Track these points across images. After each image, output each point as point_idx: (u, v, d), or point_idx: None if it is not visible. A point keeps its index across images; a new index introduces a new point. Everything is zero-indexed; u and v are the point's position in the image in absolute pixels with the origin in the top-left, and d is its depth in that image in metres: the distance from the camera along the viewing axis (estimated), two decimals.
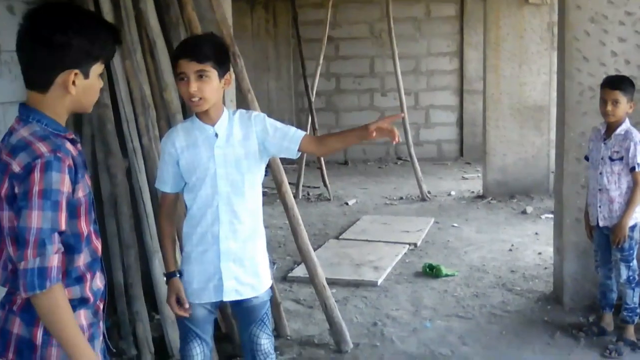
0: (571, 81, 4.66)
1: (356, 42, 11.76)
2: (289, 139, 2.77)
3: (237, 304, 2.88)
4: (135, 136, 4.29)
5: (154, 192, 4.28)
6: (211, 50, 2.65)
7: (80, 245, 1.99)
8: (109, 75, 4.28)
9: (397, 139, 2.61)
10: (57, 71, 1.93)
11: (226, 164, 2.73)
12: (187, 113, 4.37)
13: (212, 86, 2.64)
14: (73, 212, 1.94)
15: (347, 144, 2.87)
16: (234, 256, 2.77)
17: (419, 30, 11.74)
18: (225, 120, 2.76)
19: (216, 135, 2.73)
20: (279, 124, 2.81)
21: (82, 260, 2.00)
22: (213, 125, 2.74)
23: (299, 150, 2.79)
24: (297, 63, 10.08)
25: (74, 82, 1.93)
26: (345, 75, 11.91)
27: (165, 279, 2.94)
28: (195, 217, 2.78)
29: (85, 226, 2.00)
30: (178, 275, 2.85)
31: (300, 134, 2.79)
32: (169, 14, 4.41)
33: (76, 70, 1.93)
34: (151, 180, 4.29)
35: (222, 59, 2.69)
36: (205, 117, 2.74)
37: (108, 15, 4.28)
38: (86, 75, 1.96)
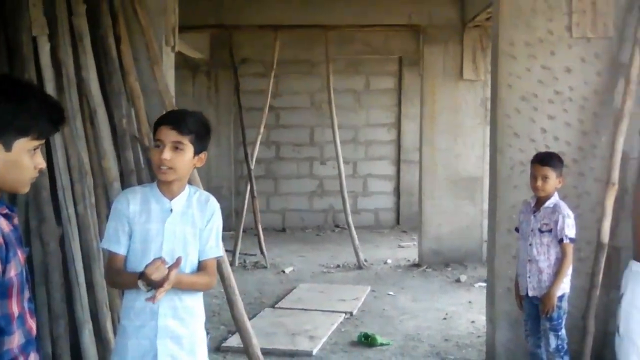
0: (503, 156, 4.84)
1: (297, 112, 11.95)
2: (208, 246, 2.77)
3: None
4: (71, 204, 4.25)
5: (87, 261, 4.22)
6: (194, 125, 2.67)
7: (12, 327, 1.86)
8: (46, 141, 4.25)
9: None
10: None
11: (174, 241, 2.70)
12: (125, 182, 4.36)
13: (184, 159, 2.64)
14: (4, 293, 1.82)
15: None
16: (171, 333, 2.71)
17: (358, 101, 12.02)
18: (183, 198, 2.74)
19: (171, 210, 2.71)
20: (219, 229, 2.81)
21: (14, 342, 1.88)
22: (171, 199, 2.72)
23: (200, 261, 2.77)
24: (238, 130, 10.15)
25: None
26: (285, 144, 12.03)
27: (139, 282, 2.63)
28: (135, 290, 2.69)
29: (17, 307, 1.87)
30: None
31: (215, 253, 2.80)
32: (111, 82, 4.46)
33: None
34: (84, 249, 4.23)
35: (202, 137, 2.70)
36: (166, 189, 2.72)
37: (49, 82, 4.30)
38: (7, 148, 1.82)
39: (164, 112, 3.00)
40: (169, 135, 2.62)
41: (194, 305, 2.79)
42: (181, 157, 2.63)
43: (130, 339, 2.72)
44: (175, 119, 2.68)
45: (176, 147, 2.62)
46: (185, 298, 2.74)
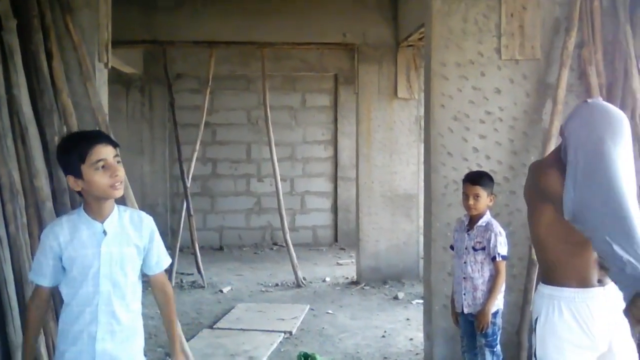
0: (436, 174, 4.93)
1: (233, 128, 11.91)
2: (155, 262, 2.83)
3: None
4: (2, 224, 4.12)
5: (19, 282, 4.10)
6: (112, 138, 2.71)
7: None
8: None
9: None
10: None
11: (111, 263, 2.66)
12: (57, 201, 4.26)
13: (123, 171, 2.66)
14: None
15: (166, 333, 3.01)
16: (110, 357, 2.67)
17: (294, 118, 12.06)
18: (115, 218, 2.70)
19: (104, 232, 2.67)
20: (160, 242, 2.84)
21: None
22: (102, 221, 2.67)
23: (151, 275, 2.86)
24: (173, 147, 10.05)
25: None
26: (222, 160, 11.96)
27: None
28: (72, 314, 2.67)
29: None
30: None
31: (165, 264, 2.88)
32: (43, 100, 4.36)
33: None
34: (17, 270, 4.11)
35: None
36: (97, 211, 2.67)
37: None
38: None
39: (70, 135, 3.00)
40: (109, 151, 2.61)
41: (133, 326, 2.76)
42: (122, 169, 2.65)
43: None
44: (105, 135, 2.71)
45: (118, 162, 2.63)
46: (123, 320, 2.70)
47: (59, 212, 4.14)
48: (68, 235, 2.67)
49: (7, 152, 4.19)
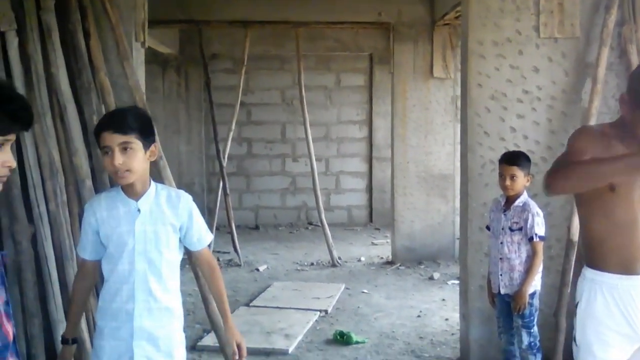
0: (473, 154, 4.89)
1: (268, 108, 11.93)
2: (197, 239, 2.83)
3: None
4: (42, 201, 4.20)
5: (60, 259, 4.18)
6: (135, 122, 2.61)
7: None
8: (17, 139, 4.19)
9: None
10: None
11: (145, 241, 2.68)
12: (96, 179, 4.32)
13: (137, 158, 2.59)
14: None
15: (219, 302, 3.01)
16: (147, 335, 2.69)
17: (329, 98, 12.03)
18: (150, 196, 2.72)
19: (138, 210, 2.69)
20: (201, 219, 2.84)
21: None
22: (137, 199, 2.69)
23: (195, 251, 2.87)
24: (209, 127, 10.11)
25: None
26: (257, 140, 12.00)
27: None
28: (110, 290, 2.71)
29: None
30: (71, 344, 2.78)
31: (207, 240, 2.87)
32: (81, 78, 4.40)
33: None
34: (57, 247, 4.19)
35: (146, 131, 2.64)
36: (130, 190, 2.69)
37: (18, 79, 4.24)
38: None
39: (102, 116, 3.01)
40: (114, 139, 2.56)
41: (172, 306, 2.77)
42: (133, 156, 2.58)
43: (107, 341, 2.71)
44: (115, 122, 2.62)
45: (125, 148, 2.56)
46: (161, 298, 2.72)
47: (98, 190, 4.19)
48: (105, 212, 2.71)
49: (46, 130, 4.25)
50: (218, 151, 9.10)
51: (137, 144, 2.59)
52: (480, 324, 4.89)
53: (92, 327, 4.01)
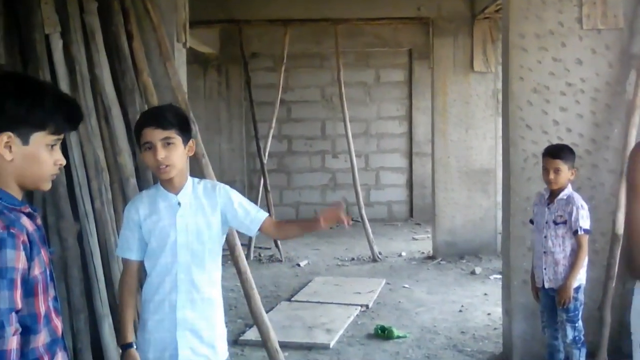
0: (515, 148, 4.84)
1: (308, 105, 11.97)
2: (250, 219, 2.82)
3: None
4: (88, 200, 4.29)
5: (105, 256, 4.27)
6: (174, 118, 2.69)
7: (37, 325, 1.89)
8: (62, 140, 4.29)
9: (349, 223, 2.70)
10: None
11: (187, 233, 2.73)
12: (140, 177, 4.39)
13: (178, 153, 2.66)
14: (29, 291, 1.85)
15: (302, 232, 2.88)
16: (190, 326, 2.74)
17: (368, 94, 12.02)
18: (189, 189, 2.78)
19: (179, 204, 2.75)
20: (244, 201, 2.85)
21: (40, 341, 1.90)
22: (176, 193, 2.75)
23: (258, 230, 2.84)
24: (249, 125, 10.20)
25: (10, 148, 1.85)
26: (297, 137, 12.06)
27: (120, 350, 2.90)
28: (153, 284, 2.76)
29: (42, 305, 1.90)
30: (134, 347, 2.82)
31: (262, 216, 2.83)
32: (125, 80, 4.48)
33: (9, 133, 1.85)
34: (102, 244, 4.28)
35: (185, 127, 2.72)
36: (169, 185, 2.75)
37: (63, 80, 4.34)
38: (25, 142, 1.87)
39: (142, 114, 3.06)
40: (155, 134, 2.63)
41: (213, 297, 2.81)
42: (174, 151, 2.65)
43: (151, 333, 2.76)
44: (156, 118, 2.69)
45: (167, 143, 2.64)
46: (204, 289, 2.77)
47: (142, 188, 4.27)
48: (147, 208, 2.76)
49: (91, 131, 4.34)
50: (259, 148, 9.18)
51: (177, 139, 2.66)
52: (524, 318, 4.84)
53: (135, 322, 4.08)
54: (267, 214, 2.86)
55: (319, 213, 2.73)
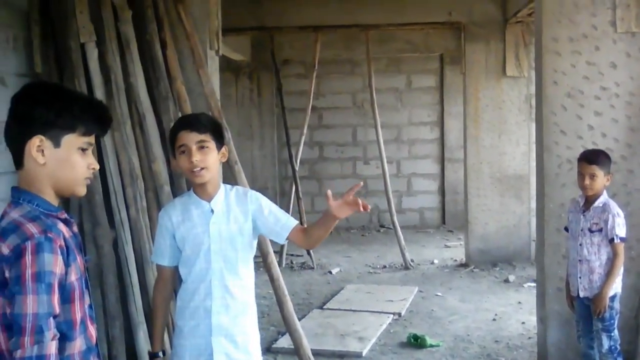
0: (549, 154, 4.79)
1: (339, 112, 11.97)
2: (280, 226, 2.82)
3: None
4: (123, 207, 4.34)
5: (140, 263, 4.31)
6: (209, 123, 2.75)
7: (73, 332, 1.91)
8: (98, 148, 4.35)
9: (366, 208, 2.58)
10: (24, 140, 1.88)
11: (221, 240, 2.76)
12: (174, 184, 4.43)
13: (212, 157, 2.71)
14: (66, 297, 1.87)
15: (328, 228, 2.76)
16: (225, 331, 2.76)
17: (400, 100, 11.99)
18: (221, 196, 2.80)
19: (212, 211, 2.77)
20: (274, 207, 2.86)
21: (75, 348, 1.92)
22: (209, 200, 2.77)
23: (287, 239, 2.84)
24: (281, 131, 10.25)
25: (42, 152, 1.88)
26: (329, 144, 12.07)
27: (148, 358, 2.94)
28: (188, 291, 2.79)
29: (79, 312, 1.92)
30: (162, 356, 2.86)
31: (292, 223, 2.83)
32: (159, 87, 4.53)
33: (40, 136, 1.88)
34: (137, 251, 4.32)
35: (218, 133, 2.77)
36: (202, 192, 2.77)
37: (99, 89, 4.40)
38: (56, 144, 1.90)
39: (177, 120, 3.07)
40: (191, 137, 2.68)
41: (246, 301, 2.84)
42: (209, 154, 2.69)
43: (187, 339, 2.79)
44: (191, 122, 2.75)
45: (202, 147, 2.68)
46: (237, 295, 2.79)
47: (176, 195, 4.29)
48: (180, 216, 2.79)
49: (126, 138, 4.39)
50: (290, 155, 9.21)
51: (211, 143, 2.71)
52: (559, 327, 4.78)
53: (170, 328, 4.11)
54: (296, 222, 2.86)
55: (330, 199, 2.61)
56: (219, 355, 2.75)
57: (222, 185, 2.84)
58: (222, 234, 2.76)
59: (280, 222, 2.83)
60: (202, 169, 2.68)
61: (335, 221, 2.69)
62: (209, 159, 2.69)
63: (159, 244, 2.86)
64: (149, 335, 4.14)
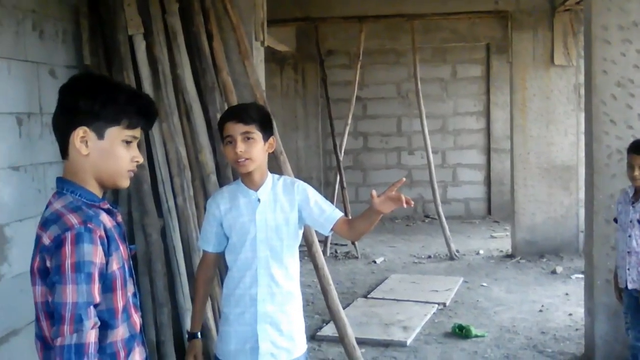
0: (599, 144, 4.71)
1: (383, 102, 11.94)
2: (325, 217, 2.83)
3: None
4: (171, 196, 4.41)
5: (187, 251, 4.38)
6: (256, 114, 2.76)
7: (115, 321, 1.93)
8: (146, 138, 4.43)
9: (409, 203, 2.57)
10: (69, 130, 1.91)
11: (267, 229, 2.79)
12: (220, 174, 4.48)
13: (257, 148, 2.73)
14: (108, 286, 1.90)
15: (372, 222, 2.73)
16: (270, 319, 2.80)
17: (445, 90, 11.90)
18: (268, 186, 2.83)
19: (258, 200, 2.80)
20: (320, 199, 2.88)
21: (118, 336, 1.94)
22: (256, 190, 2.81)
23: (331, 230, 2.85)
24: (326, 122, 10.28)
25: (86, 143, 1.91)
26: (373, 134, 12.05)
27: (187, 336, 2.99)
28: (234, 278, 2.83)
29: (121, 300, 1.94)
30: (200, 337, 2.91)
31: (337, 215, 2.84)
32: (205, 78, 4.57)
33: (84, 128, 1.90)
34: (185, 240, 4.39)
35: (266, 124, 2.78)
36: (249, 181, 2.81)
37: (147, 80, 4.47)
38: (100, 136, 1.92)
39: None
40: (237, 128, 2.71)
41: (292, 291, 2.86)
42: (254, 145, 2.71)
43: (232, 326, 2.83)
44: (238, 113, 2.78)
45: (247, 138, 2.70)
46: (282, 283, 2.82)
47: (222, 184, 4.35)
48: (228, 204, 2.83)
49: (174, 128, 4.45)
50: (335, 146, 9.23)
51: (257, 134, 2.72)
52: (607, 319, 4.71)
53: (217, 316, 4.17)
54: (341, 214, 2.87)
55: (375, 198, 2.61)
56: (265, 343, 2.79)
57: (270, 175, 2.87)
58: (268, 223, 2.80)
59: (325, 214, 2.84)
60: (247, 159, 2.71)
61: (379, 215, 2.68)
62: (253, 150, 2.71)
63: (205, 231, 2.90)
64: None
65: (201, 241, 2.95)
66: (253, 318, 2.79)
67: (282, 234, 2.81)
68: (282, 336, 2.82)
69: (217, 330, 2.96)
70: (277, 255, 2.81)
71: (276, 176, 2.91)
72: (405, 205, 2.57)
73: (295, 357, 2.87)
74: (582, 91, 5.62)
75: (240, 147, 2.69)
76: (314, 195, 2.88)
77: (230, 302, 2.85)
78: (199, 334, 2.93)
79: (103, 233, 1.87)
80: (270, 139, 2.81)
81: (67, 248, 1.79)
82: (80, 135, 1.91)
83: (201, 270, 2.97)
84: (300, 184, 2.89)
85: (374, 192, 2.63)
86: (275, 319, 2.80)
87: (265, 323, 2.79)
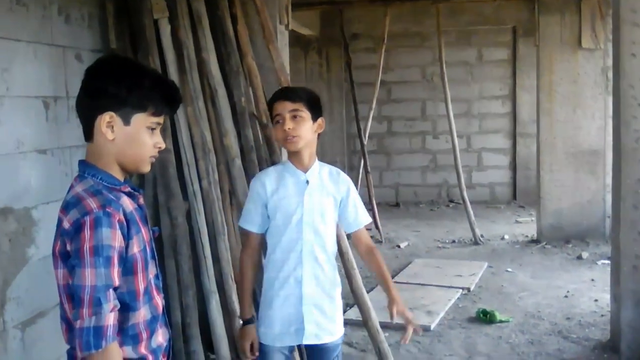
0: (627, 128, 4.65)
1: (408, 86, 11.87)
2: (353, 218, 2.92)
3: (313, 347, 2.91)
4: (196, 179, 4.43)
5: (212, 234, 4.40)
6: (304, 94, 2.80)
7: (136, 303, 1.96)
8: (172, 122, 4.45)
9: (418, 332, 2.97)
10: (95, 114, 1.93)
11: (313, 212, 2.80)
12: (245, 158, 4.49)
13: (306, 126, 2.74)
14: (129, 269, 1.92)
15: (379, 282, 3.01)
16: (314, 301, 2.82)
17: (470, 74, 11.80)
18: (316, 170, 2.84)
19: (307, 182, 2.81)
20: (358, 199, 2.95)
21: (140, 317, 1.97)
22: (305, 171, 2.82)
23: (352, 232, 2.94)
24: (350, 106, 10.25)
25: (112, 128, 1.93)
26: (397, 118, 12.00)
27: (240, 323, 3.00)
28: (277, 261, 2.83)
29: (142, 283, 1.97)
30: (254, 323, 2.90)
31: (364, 221, 2.94)
32: (230, 62, 4.57)
33: (111, 113, 1.92)
34: (209, 223, 4.41)
35: (314, 104, 2.80)
36: (298, 161, 2.81)
37: (172, 64, 4.48)
38: (126, 122, 1.94)
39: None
40: (285, 106, 2.73)
41: (333, 275, 2.90)
42: (302, 123, 2.73)
43: (276, 310, 2.84)
44: (285, 92, 2.85)
45: (295, 116, 2.72)
46: (326, 267, 2.85)
47: (247, 169, 4.37)
48: (274, 184, 2.83)
49: (198, 112, 4.47)
50: (359, 130, 9.21)
51: (305, 112, 2.75)
52: (633, 305, 4.67)
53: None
54: (368, 221, 2.98)
55: (396, 310, 2.92)
56: (310, 325, 2.81)
57: (317, 160, 2.88)
58: (314, 206, 2.81)
59: (358, 216, 2.93)
60: (295, 137, 2.72)
61: (390, 301, 2.94)
62: (302, 128, 2.72)
63: (249, 210, 2.87)
64: (221, 305, 4.25)
65: (244, 221, 2.91)
66: (298, 300, 2.81)
67: (327, 218, 2.84)
68: (326, 318, 2.85)
69: (256, 314, 2.95)
70: (320, 239, 2.82)
71: (320, 163, 2.92)
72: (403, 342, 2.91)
73: (335, 339, 2.91)
74: (610, 74, 5.53)
75: (289, 124, 2.71)
76: (354, 194, 2.93)
77: (273, 285, 2.85)
78: (253, 319, 2.92)
79: (122, 217, 1.89)
80: (319, 120, 2.82)
81: (86, 232, 1.81)
82: (107, 120, 1.93)
83: (246, 253, 2.93)
84: (346, 177, 2.94)
85: (394, 311, 2.92)
86: (318, 301, 2.83)
87: (310, 305, 2.81)
